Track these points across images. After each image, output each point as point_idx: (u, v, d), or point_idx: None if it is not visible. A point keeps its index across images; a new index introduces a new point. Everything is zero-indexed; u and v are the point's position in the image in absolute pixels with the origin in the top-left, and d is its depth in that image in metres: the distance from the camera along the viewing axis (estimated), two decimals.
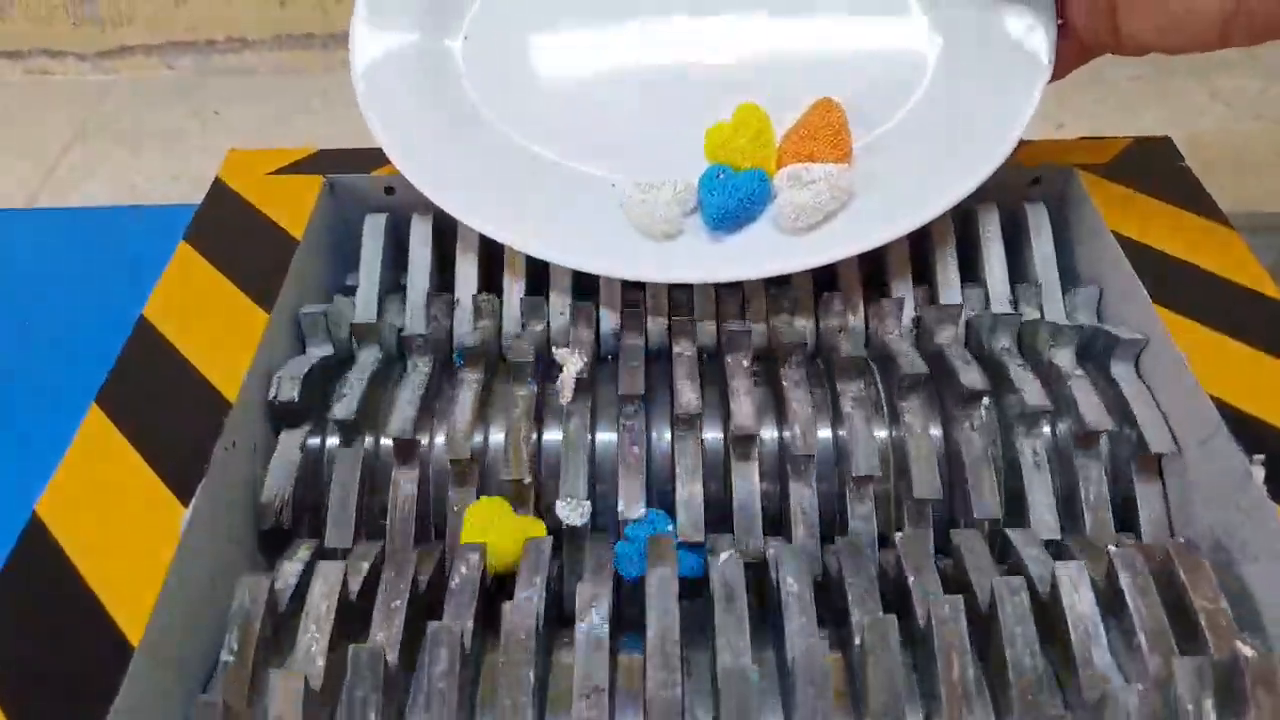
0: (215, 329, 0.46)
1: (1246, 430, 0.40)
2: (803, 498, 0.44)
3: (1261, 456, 0.39)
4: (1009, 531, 0.41)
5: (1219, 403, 0.41)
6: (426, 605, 0.39)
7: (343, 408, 0.45)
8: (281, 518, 0.43)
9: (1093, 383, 0.46)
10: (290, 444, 0.45)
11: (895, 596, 0.39)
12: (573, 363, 0.45)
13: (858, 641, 0.35)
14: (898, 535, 0.41)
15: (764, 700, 0.35)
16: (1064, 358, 0.47)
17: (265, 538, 0.44)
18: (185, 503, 0.38)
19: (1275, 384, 0.42)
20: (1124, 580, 0.36)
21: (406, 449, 0.44)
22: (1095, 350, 0.48)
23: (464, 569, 0.38)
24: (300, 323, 0.49)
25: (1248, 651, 0.32)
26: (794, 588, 0.37)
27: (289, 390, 0.45)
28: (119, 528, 0.38)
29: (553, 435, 0.46)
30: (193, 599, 0.37)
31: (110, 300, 0.51)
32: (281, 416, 0.46)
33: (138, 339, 0.45)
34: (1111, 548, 0.37)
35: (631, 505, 0.42)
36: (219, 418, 0.41)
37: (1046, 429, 0.46)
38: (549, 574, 0.39)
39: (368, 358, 0.49)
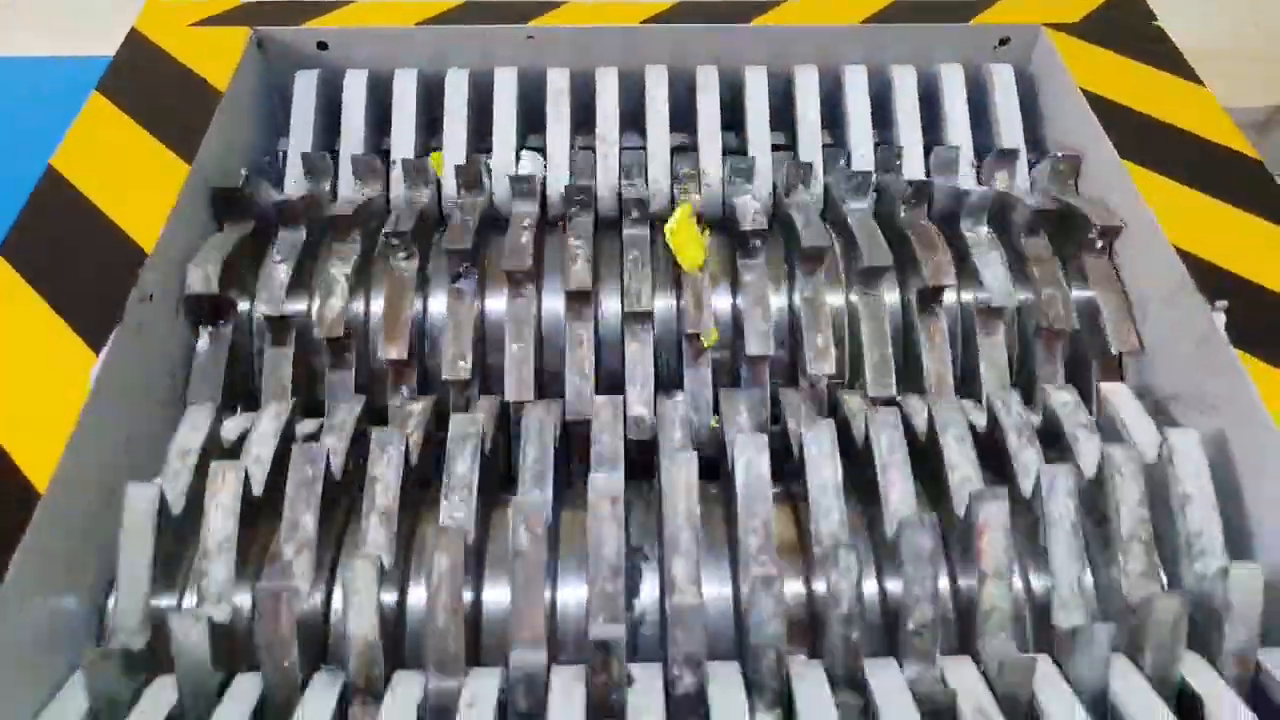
0: (130, 179, 0.42)
1: (1213, 280, 0.39)
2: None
3: (1224, 303, 0.38)
4: None
5: (1187, 256, 0.40)
6: None
7: None
8: None
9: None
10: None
11: None
12: None
13: None
14: None
15: None
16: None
17: None
18: (98, 352, 0.36)
19: (1245, 237, 0.41)
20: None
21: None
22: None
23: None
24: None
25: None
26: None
27: None
28: (27, 377, 0.35)
29: None
30: (106, 456, 0.35)
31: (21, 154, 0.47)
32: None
33: (46, 187, 0.42)
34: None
35: None
36: (134, 267, 0.38)
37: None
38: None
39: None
